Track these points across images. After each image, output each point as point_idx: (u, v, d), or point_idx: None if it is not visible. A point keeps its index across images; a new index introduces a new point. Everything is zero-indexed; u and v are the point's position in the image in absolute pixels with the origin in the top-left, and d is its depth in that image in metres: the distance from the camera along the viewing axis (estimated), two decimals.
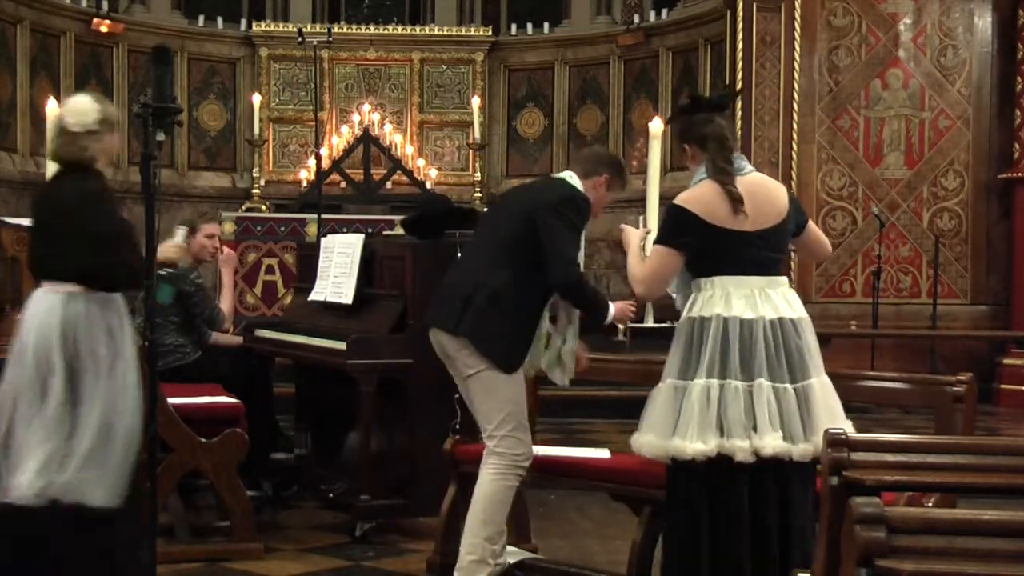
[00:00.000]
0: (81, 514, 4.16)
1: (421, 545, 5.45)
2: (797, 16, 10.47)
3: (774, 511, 3.89)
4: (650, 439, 3.92)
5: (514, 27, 14.09)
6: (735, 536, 3.88)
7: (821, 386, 3.94)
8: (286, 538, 5.59)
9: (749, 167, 4.11)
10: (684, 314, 3.98)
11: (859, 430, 3.86)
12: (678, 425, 3.87)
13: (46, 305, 4.28)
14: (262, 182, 11.97)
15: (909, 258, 10.64)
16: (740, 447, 3.81)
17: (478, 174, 11.79)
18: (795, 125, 10.41)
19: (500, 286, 4.44)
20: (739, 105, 10.24)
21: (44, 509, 4.15)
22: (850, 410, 10.05)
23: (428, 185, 12.17)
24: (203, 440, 5.26)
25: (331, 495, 6.06)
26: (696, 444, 3.83)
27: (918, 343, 10.26)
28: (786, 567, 3.80)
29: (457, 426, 5.60)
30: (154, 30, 12.84)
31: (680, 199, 3.99)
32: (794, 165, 10.43)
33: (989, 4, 10.63)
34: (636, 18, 13.25)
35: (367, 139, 11.80)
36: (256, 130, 11.56)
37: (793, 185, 10.39)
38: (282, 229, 10.00)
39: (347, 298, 5.94)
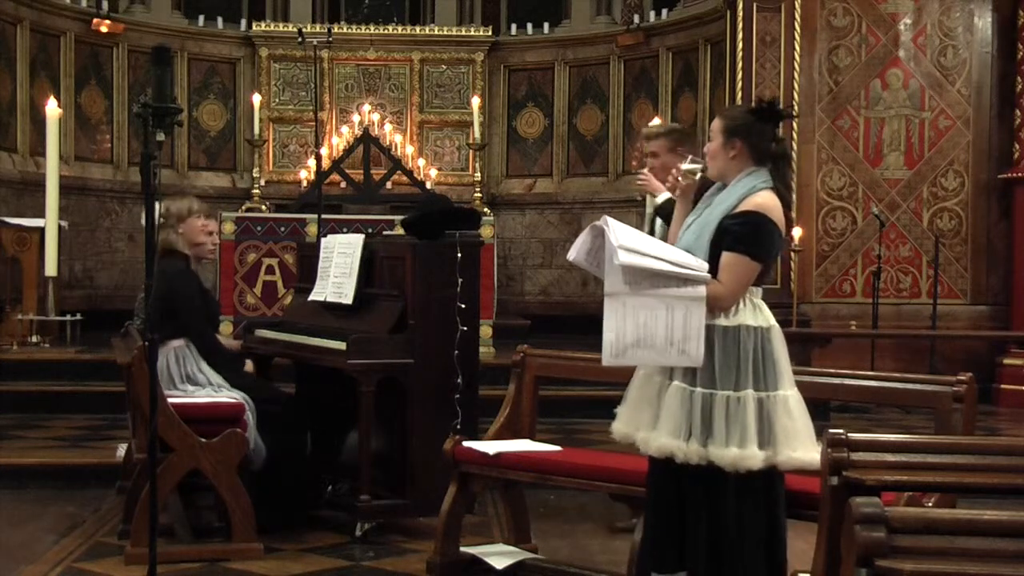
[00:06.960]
0: None
1: (421, 545, 5.45)
2: (797, 16, 10.46)
3: None
4: (790, 454, 3.84)
5: (514, 27, 14.07)
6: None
7: None
8: (286, 538, 5.58)
9: None
10: (725, 322, 3.88)
11: (859, 430, 3.87)
12: (798, 438, 3.86)
13: None
14: (262, 182, 11.95)
15: (909, 258, 10.63)
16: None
17: (478, 174, 11.76)
18: (795, 125, 10.40)
19: None
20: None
21: None
22: (850, 410, 10.00)
23: (428, 185, 12.15)
24: (203, 440, 5.27)
25: (331, 495, 6.06)
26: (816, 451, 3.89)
27: (918, 343, 10.25)
28: None
29: (457, 426, 5.61)
30: (154, 30, 12.83)
31: (765, 209, 3.91)
32: (794, 165, 10.41)
33: (989, 4, 10.63)
34: (636, 18, 13.23)
35: (367, 139, 11.78)
36: (256, 130, 11.54)
37: (793, 185, 10.37)
38: (282, 229, 9.97)
39: (347, 298, 5.95)
